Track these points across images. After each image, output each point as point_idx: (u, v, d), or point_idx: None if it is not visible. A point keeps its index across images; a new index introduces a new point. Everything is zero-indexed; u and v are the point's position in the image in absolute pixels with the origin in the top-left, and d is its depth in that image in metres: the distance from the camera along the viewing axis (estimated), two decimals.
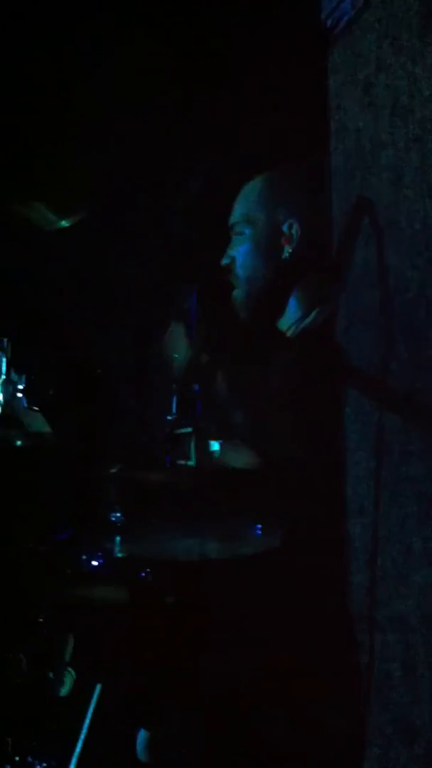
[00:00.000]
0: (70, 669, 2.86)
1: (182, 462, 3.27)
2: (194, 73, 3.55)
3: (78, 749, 2.69)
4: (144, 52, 3.63)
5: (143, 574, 2.96)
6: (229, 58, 3.38)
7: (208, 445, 3.24)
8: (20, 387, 3.15)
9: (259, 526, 3.05)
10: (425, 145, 2.40)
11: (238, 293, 3.16)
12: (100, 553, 3.00)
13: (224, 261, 3.20)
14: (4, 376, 3.10)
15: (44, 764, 2.72)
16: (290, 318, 3.08)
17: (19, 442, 3.05)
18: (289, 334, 3.15)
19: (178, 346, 3.22)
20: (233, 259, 3.17)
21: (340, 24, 2.75)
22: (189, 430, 3.23)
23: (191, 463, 3.22)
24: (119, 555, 3.05)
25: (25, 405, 3.14)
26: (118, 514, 3.16)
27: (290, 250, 3.02)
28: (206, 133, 3.66)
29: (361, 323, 2.54)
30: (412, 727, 2.27)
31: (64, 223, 3.45)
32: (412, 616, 2.32)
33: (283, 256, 3.04)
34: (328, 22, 2.80)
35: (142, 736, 2.87)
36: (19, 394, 3.15)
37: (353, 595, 2.48)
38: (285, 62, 3.21)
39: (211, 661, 2.80)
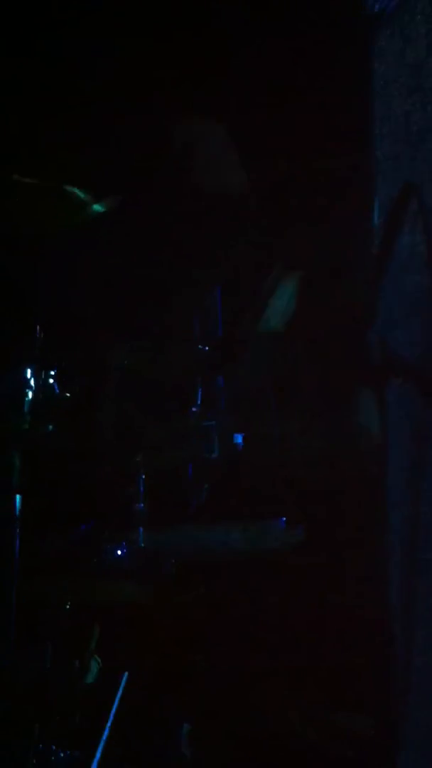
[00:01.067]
0: (96, 657, 2.83)
1: (206, 455, 3.26)
2: (229, 60, 3.54)
3: (104, 738, 2.66)
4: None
5: (168, 566, 2.94)
6: (269, 43, 3.37)
7: (231, 438, 3.23)
8: (52, 373, 3.15)
9: (284, 519, 3.04)
10: None
11: None
12: (123, 544, 2.99)
13: None
14: (36, 363, 3.09)
15: (68, 752, 2.69)
16: None
17: (50, 427, 3.04)
18: None
19: None
20: None
21: (388, 8, 2.74)
22: (212, 423, 3.22)
23: (215, 455, 3.21)
24: (142, 546, 3.04)
25: (57, 391, 3.13)
26: (141, 506, 3.14)
27: None
28: (238, 121, 3.65)
29: (405, 309, 2.52)
30: None
31: (98, 208, 3.43)
32: None
33: None
34: (376, 7, 2.78)
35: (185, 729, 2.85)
36: (51, 380, 3.14)
37: (393, 587, 2.46)
38: (330, 47, 3.20)
39: (243, 658, 2.78)
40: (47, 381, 3.12)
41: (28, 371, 3.16)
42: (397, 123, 2.63)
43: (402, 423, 2.49)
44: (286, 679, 2.89)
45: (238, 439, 3.24)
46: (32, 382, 3.13)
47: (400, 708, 2.40)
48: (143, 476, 3.16)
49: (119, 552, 2.96)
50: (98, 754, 2.64)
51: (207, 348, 3.42)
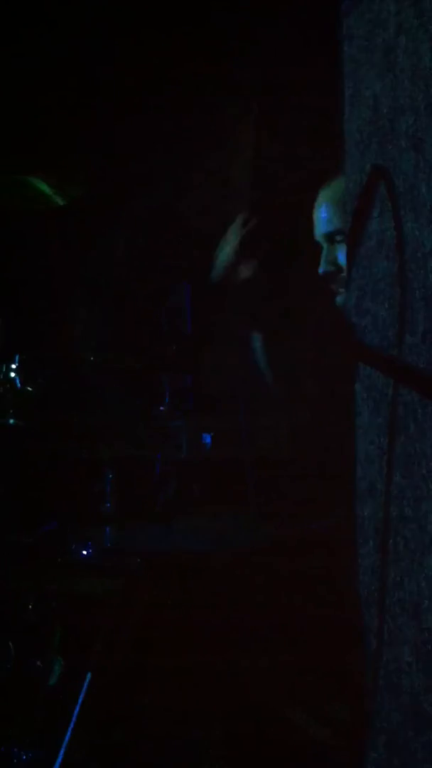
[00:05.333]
0: (58, 657, 2.87)
1: (174, 454, 3.30)
2: (199, 46, 3.59)
3: (66, 740, 2.70)
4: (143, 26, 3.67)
5: (135, 564, 2.98)
6: (234, 25, 3.43)
7: (200, 438, 3.27)
8: (13, 366, 3.18)
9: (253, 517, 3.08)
10: None
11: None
12: (89, 543, 3.03)
13: (325, 269, 3.30)
14: None
15: (30, 755, 2.73)
16: None
17: (12, 421, 3.07)
18: None
19: None
20: (340, 267, 3.28)
21: None
22: (180, 422, 3.26)
23: (183, 455, 3.25)
24: (108, 545, 3.08)
25: (19, 385, 3.17)
26: (108, 505, 3.18)
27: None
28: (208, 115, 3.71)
29: (375, 295, 2.56)
30: (422, 713, 2.28)
31: (60, 202, 3.48)
32: (425, 599, 2.33)
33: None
34: None
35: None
36: (12, 374, 3.18)
37: (362, 579, 2.50)
38: (297, 27, 3.25)
39: (212, 652, 2.81)
40: (8, 374, 3.16)
41: None
42: (366, 105, 2.68)
43: (370, 413, 2.54)
44: (263, 670, 2.95)
45: (207, 439, 3.28)
46: None
47: (371, 700, 2.44)
48: (110, 475, 3.20)
49: (85, 551, 3.00)
50: (60, 756, 2.67)
51: (175, 346, 3.46)
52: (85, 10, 3.71)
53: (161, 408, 3.30)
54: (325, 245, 3.39)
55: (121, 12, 3.71)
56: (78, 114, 3.87)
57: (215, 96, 3.82)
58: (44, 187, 3.43)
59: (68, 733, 2.69)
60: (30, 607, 2.94)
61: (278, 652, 2.98)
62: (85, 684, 2.76)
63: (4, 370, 3.15)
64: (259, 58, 3.70)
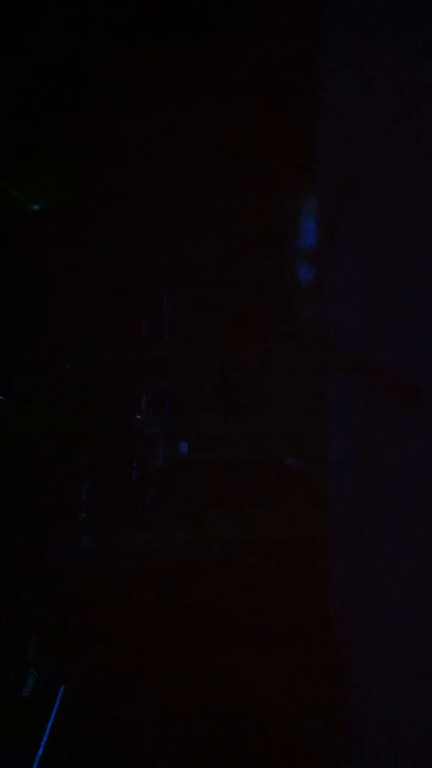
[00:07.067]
0: (32, 670, 2.86)
1: (151, 462, 3.30)
2: (185, 53, 3.59)
3: (40, 753, 2.69)
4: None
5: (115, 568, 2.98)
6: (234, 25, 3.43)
7: (176, 446, 3.28)
8: None
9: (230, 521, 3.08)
10: (420, 114, 2.42)
11: None
12: (68, 549, 3.03)
13: None
14: None
15: (4, 766, 2.72)
16: None
17: None
18: None
19: None
20: None
21: None
22: (157, 430, 3.27)
23: (160, 463, 3.26)
24: (87, 551, 3.08)
25: None
26: (83, 513, 3.18)
27: None
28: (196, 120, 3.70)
29: (346, 302, 2.56)
30: (392, 723, 2.27)
31: (34, 207, 3.49)
32: (397, 606, 2.32)
33: None
34: None
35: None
36: None
37: (336, 587, 2.49)
38: (272, 35, 3.25)
39: (212, 652, 2.81)
40: None
41: None
42: (337, 113, 2.67)
43: (343, 419, 2.53)
44: (263, 670, 2.95)
45: (184, 448, 3.29)
46: None
47: (347, 703, 2.44)
48: (86, 483, 3.21)
49: (62, 557, 3.00)
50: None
51: (153, 353, 3.47)
52: (85, 11, 3.70)
53: (138, 416, 3.30)
54: None
55: (121, 12, 3.70)
56: (73, 115, 3.86)
57: (215, 96, 3.80)
58: (17, 193, 3.43)
59: (42, 746, 2.68)
60: (3, 617, 2.93)
61: (278, 652, 2.97)
62: (59, 697, 2.75)
63: None
64: (258, 58, 3.68)
